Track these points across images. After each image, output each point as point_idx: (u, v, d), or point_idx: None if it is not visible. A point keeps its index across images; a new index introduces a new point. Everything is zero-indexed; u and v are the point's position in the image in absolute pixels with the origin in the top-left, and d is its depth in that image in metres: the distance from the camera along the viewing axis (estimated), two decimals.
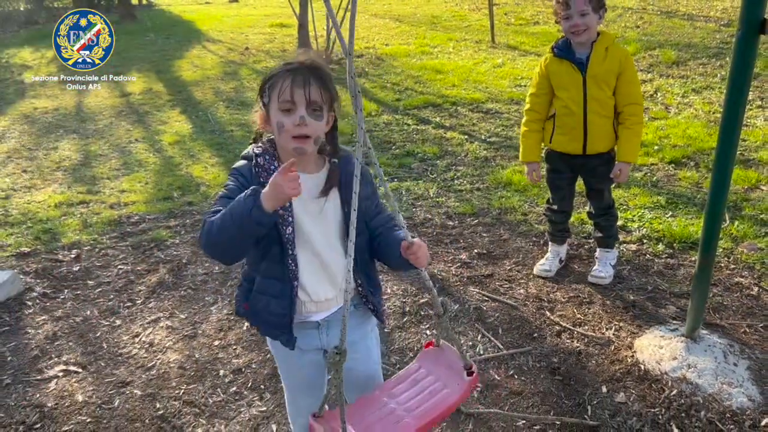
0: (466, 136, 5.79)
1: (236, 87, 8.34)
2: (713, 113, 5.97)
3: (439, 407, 1.67)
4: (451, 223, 4.18)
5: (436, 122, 6.34)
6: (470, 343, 2.96)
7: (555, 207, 3.45)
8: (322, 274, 1.76)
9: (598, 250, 3.48)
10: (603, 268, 3.38)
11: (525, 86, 7.38)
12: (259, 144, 1.73)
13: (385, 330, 3.08)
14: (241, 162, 1.71)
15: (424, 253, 1.64)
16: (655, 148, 5.17)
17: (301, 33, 9.28)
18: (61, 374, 2.90)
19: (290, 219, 1.66)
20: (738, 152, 4.90)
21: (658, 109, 6.28)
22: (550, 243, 3.58)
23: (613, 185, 3.46)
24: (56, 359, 3.01)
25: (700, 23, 9.94)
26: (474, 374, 1.73)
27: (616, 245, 3.50)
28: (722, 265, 3.47)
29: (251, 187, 1.53)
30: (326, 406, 1.66)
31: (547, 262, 3.51)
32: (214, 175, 5.26)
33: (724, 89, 7.56)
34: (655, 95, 6.77)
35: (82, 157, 5.96)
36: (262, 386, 2.76)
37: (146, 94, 8.29)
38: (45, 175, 5.51)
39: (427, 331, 3.05)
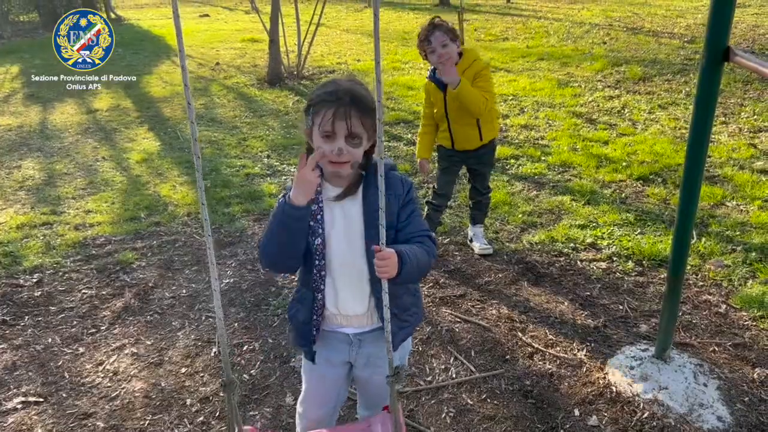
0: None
1: (206, 103, 8.25)
2: (679, 129, 6.08)
3: None
4: None
5: (407, 139, 6.34)
6: (443, 366, 2.93)
7: (438, 191, 3.91)
8: (350, 288, 1.80)
9: (472, 227, 4.05)
10: (484, 241, 3.98)
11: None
12: None
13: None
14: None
15: (386, 265, 1.58)
16: (623, 164, 5.24)
17: (273, 48, 9.24)
18: (20, 406, 2.79)
19: (320, 231, 1.74)
20: None
21: (626, 125, 6.36)
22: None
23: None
24: (15, 390, 2.90)
25: (665, 39, 10.17)
26: None
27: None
28: (690, 282, 3.50)
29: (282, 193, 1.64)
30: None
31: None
32: (182, 194, 5.16)
33: (689, 105, 7.69)
34: (622, 111, 6.88)
35: (47, 176, 5.81)
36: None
37: (113, 110, 8.15)
38: (7, 195, 5.35)
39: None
